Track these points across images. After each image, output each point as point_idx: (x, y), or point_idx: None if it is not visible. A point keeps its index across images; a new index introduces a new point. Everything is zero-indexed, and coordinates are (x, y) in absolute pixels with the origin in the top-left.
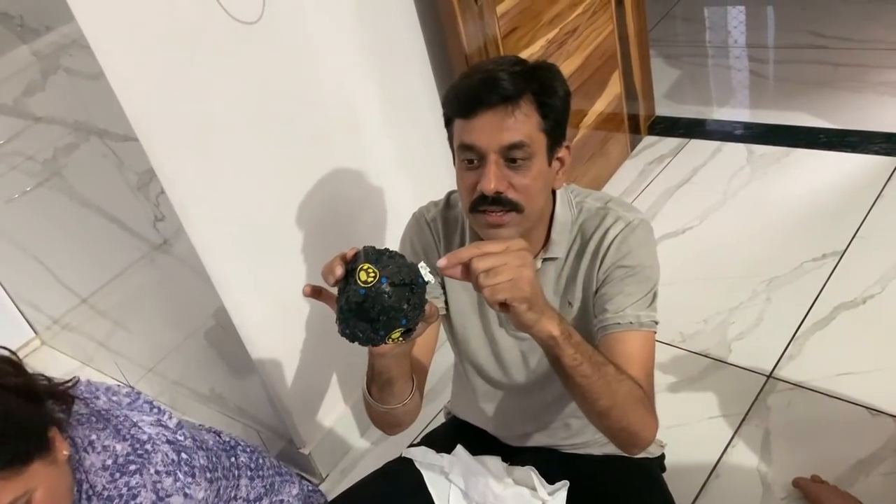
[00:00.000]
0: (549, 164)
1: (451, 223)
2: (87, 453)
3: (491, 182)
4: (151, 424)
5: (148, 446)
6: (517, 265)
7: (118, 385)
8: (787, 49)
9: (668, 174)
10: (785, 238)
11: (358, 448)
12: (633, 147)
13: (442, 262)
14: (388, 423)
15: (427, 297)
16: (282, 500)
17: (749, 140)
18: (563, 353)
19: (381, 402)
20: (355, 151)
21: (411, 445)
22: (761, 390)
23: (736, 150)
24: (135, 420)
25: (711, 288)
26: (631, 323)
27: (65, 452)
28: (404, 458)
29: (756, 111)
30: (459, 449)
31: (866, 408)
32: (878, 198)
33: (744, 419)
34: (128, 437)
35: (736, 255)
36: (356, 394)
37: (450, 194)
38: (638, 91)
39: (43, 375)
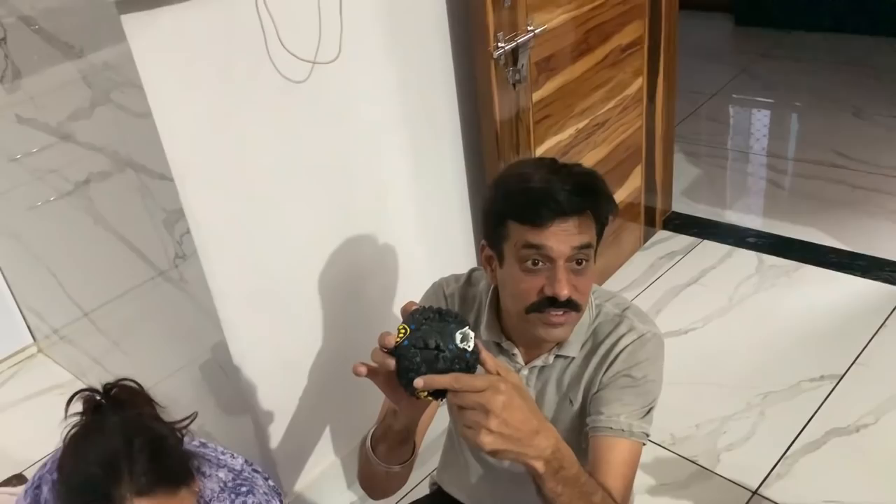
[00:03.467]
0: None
1: (469, 301)
2: (202, 481)
3: (564, 288)
4: (228, 456)
5: (245, 474)
6: (479, 419)
7: None
8: (808, 164)
9: (678, 272)
10: (785, 353)
11: None
12: (646, 239)
13: (419, 383)
14: (379, 486)
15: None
16: None
17: (760, 249)
18: (543, 485)
19: (386, 462)
20: (379, 216)
21: None
22: None
23: (747, 258)
24: (212, 454)
25: (707, 393)
26: (623, 430)
27: (198, 487)
28: None
29: (770, 221)
30: None
31: None
32: (882, 327)
33: None
34: (223, 465)
35: (735, 363)
36: (344, 448)
37: (472, 271)
38: (658, 185)
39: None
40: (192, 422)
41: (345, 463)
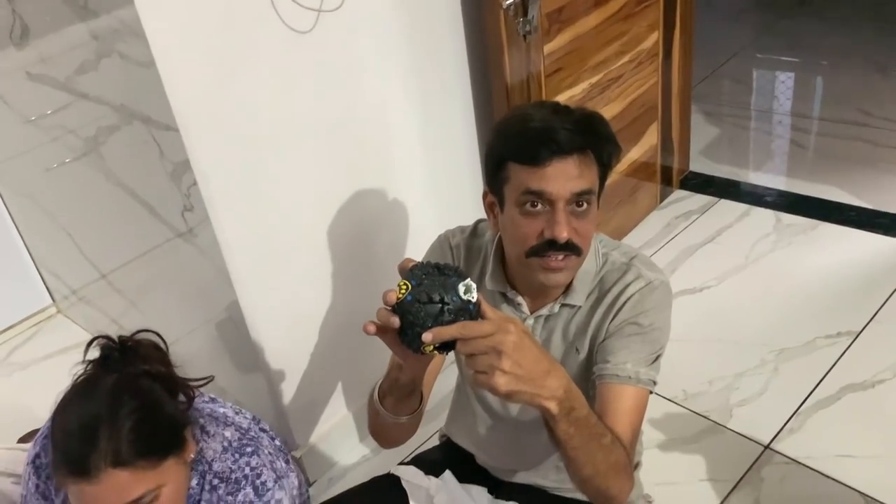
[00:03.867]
0: (598, 207)
1: (474, 252)
2: (206, 442)
3: (564, 230)
4: (237, 413)
5: (252, 433)
6: (492, 362)
7: None
8: (830, 122)
9: (694, 231)
10: (801, 311)
11: (349, 458)
12: (662, 199)
13: (427, 337)
14: (389, 436)
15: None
16: None
17: (779, 208)
18: (556, 426)
19: (394, 413)
20: (387, 170)
21: (401, 463)
22: (756, 460)
23: (764, 216)
24: (220, 411)
25: (720, 350)
26: (629, 377)
27: (191, 455)
28: (392, 475)
29: (789, 179)
30: (447, 474)
31: (861, 494)
32: None
33: (735, 487)
34: (230, 423)
35: (749, 320)
36: (356, 402)
37: (478, 223)
38: (674, 144)
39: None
40: (207, 383)
41: (356, 416)
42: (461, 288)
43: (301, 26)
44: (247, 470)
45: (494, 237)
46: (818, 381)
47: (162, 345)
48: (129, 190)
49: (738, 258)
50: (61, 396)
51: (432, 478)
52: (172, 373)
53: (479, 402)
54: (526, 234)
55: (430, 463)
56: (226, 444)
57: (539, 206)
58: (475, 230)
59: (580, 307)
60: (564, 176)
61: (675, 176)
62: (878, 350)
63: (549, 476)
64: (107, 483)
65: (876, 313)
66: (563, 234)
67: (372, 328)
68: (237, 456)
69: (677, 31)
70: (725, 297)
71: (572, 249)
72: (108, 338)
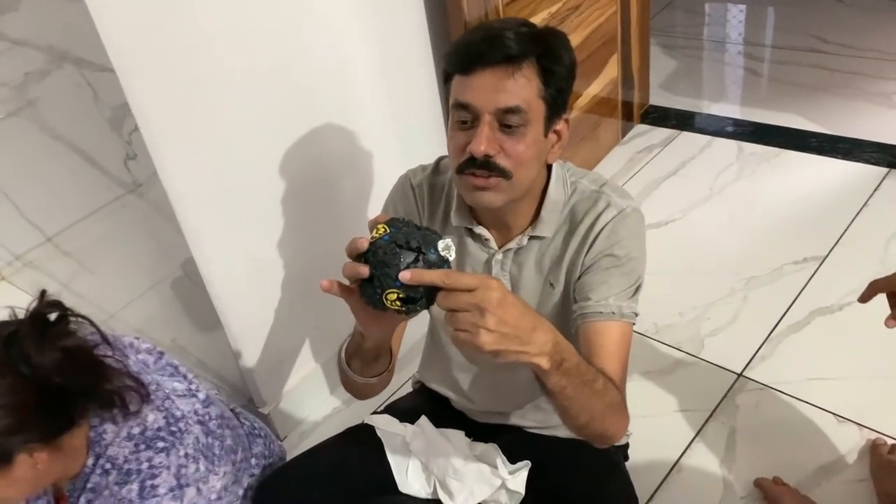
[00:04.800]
0: (546, 134)
1: (437, 190)
2: (114, 423)
3: (482, 144)
4: (184, 396)
5: (182, 424)
6: (476, 320)
7: (138, 339)
8: (786, 50)
9: (657, 164)
10: (767, 238)
11: (319, 411)
12: (624, 134)
13: (406, 276)
14: (361, 392)
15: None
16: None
17: (740, 137)
18: (547, 380)
19: (362, 375)
20: (344, 108)
21: (375, 412)
22: (730, 388)
23: (726, 147)
24: (167, 389)
25: (689, 282)
26: (613, 313)
27: (38, 466)
28: (366, 424)
29: (749, 109)
30: (423, 420)
31: (833, 414)
32: (864, 207)
33: (710, 416)
34: (162, 408)
35: (717, 251)
36: (325, 354)
37: (440, 159)
38: (634, 78)
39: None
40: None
41: (325, 368)
42: (440, 244)
43: None
44: (143, 465)
45: None
46: (787, 306)
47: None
48: (68, 141)
49: (702, 189)
50: None
51: (408, 425)
52: (76, 344)
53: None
54: (454, 149)
55: (404, 410)
56: (136, 430)
57: (468, 123)
58: (437, 167)
59: (551, 239)
60: (489, 87)
61: (636, 110)
62: (845, 273)
63: (528, 416)
64: None
65: (840, 237)
66: (479, 149)
67: (328, 284)
68: (142, 447)
69: None
70: (692, 229)
71: (495, 169)
72: (10, 317)
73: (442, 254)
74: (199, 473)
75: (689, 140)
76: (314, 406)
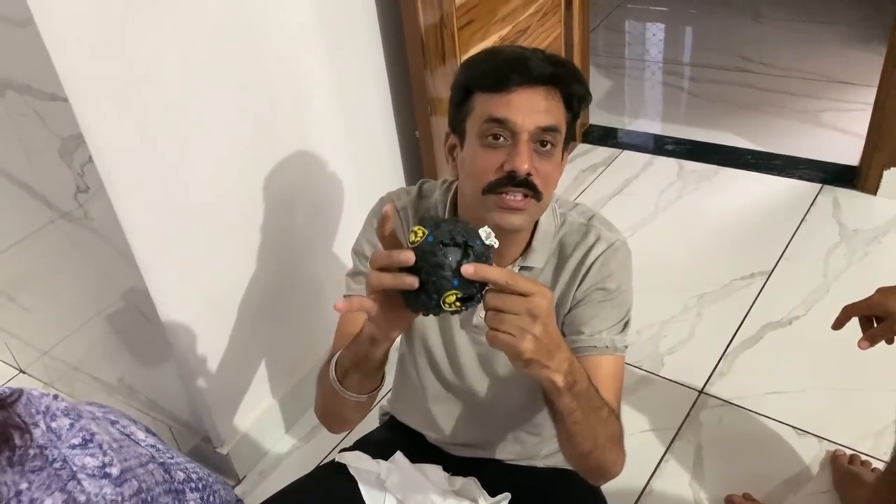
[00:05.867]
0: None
1: (421, 214)
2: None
3: (525, 162)
4: (93, 477)
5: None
6: (524, 324)
7: (53, 397)
8: (715, 69)
9: (602, 183)
10: (715, 254)
11: (279, 448)
12: None
13: (469, 270)
14: (343, 417)
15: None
16: None
17: (680, 155)
18: (559, 401)
19: (357, 392)
20: (301, 135)
21: (344, 449)
22: (693, 405)
23: (667, 164)
24: (74, 468)
25: (644, 299)
26: (607, 347)
27: None
28: (337, 462)
29: (685, 127)
30: (398, 456)
31: (793, 427)
32: (802, 221)
33: (676, 434)
34: (65, 490)
35: (667, 268)
36: (282, 390)
37: (422, 184)
38: None
39: None
40: (17, 399)
41: (282, 404)
42: (482, 233)
43: None
44: None
45: (445, 196)
46: (740, 322)
47: None
48: (3, 170)
49: (647, 207)
50: None
51: (382, 461)
52: None
53: (431, 372)
54: (484, 167)
55: (375, 445)
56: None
57: (501, 140)
58: (421, 191)
59: (541, 270)
60: (531, 106)
61: (577, 129)
62: (790, 287)
63: (507, 448)
64: None
65: (783, 252)
66: (524, 166)
67: (345, 305)
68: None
69: None
70: (641, 247)
71: (533, 189)
72: None
73: (486, 242)
74: None
75: (630, 158)
76: (272, 444)
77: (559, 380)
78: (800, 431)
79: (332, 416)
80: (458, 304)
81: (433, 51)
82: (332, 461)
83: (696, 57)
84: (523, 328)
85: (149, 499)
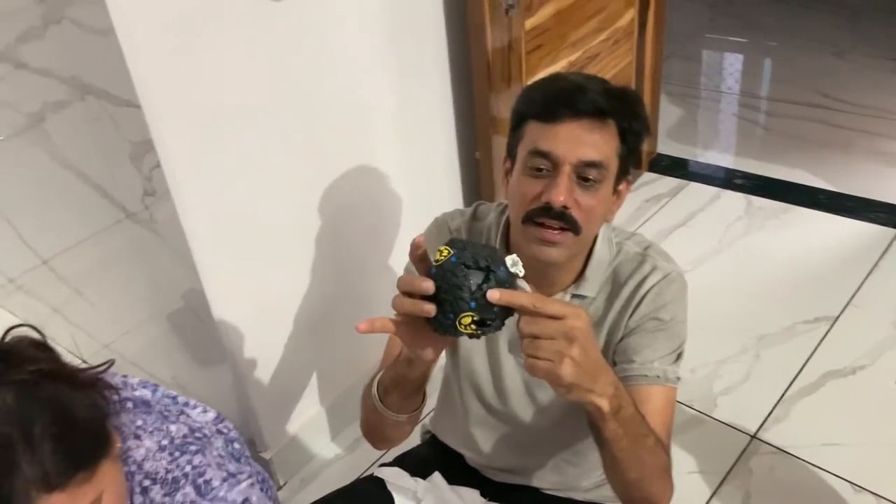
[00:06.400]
0: (613, 192)
1: (475, 236)
2: (139, 439)
3: (561, 194)
4: (195, 408)
5: (205, 431)
6: (562, 348)
7: (125, 377)
8: (791, 104)
9: (665, 214)
10: (778, 296)
11: (322, 457)
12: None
13: (494, 295)
14: (385, 436)
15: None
16: None
17: (748, 191)
18: (605, 426)
19: (397, 412)
20: (363, 150)
21: (384, 464)
22: (744, 451)
23: (735, 200)
24: (181, 405)
25: (700, 337)
26: (658, 377)
27: (118, 445)
28: (375, 477)
29: (756, 162)
30: (436, 476)
31: (849, 482)
32: (874, 268)
33: (724, 479)
34: (178, 420)
35: (727, 306)
36: (330, 398)
37: (477, 206)
38: None
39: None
40: (107, 368)
41: (329, 413)
42: (508, 260)
43: None
44: (187, 468)
45: (499, 220)
46: (800, 367)
47: (40, 337)
48: (79, 172)
49: (711, 242)
50: None
51: (419, 479)
52: (69, 366)
53: (475, 396)
54: (524, 195)
55: (414, 463)
56: (165, 441)
57: (544, 171)
58: (475, 213)
59: (593, 299)
60: (576, 139)
61: (644, 158)
62: (857, 335)
63: (546, 477)
64: None
65: (852, 298)
66: (558, 198)
67: (367, 325)
68: (177, 454)
69: (651, 10)
70: (702, 282)
71: (569, 223)
72: None
73: (511, 270)
74: (241, 471)
75: (697, 191)
76: (316, 451)
77: (604, 405)
78: (856, 487)
79: (374, 433)
80: (473, 326)
81: (499, 73)
82: (371, 475)
83: (773, 90)
84: (561, 352)
85: (235, 445)
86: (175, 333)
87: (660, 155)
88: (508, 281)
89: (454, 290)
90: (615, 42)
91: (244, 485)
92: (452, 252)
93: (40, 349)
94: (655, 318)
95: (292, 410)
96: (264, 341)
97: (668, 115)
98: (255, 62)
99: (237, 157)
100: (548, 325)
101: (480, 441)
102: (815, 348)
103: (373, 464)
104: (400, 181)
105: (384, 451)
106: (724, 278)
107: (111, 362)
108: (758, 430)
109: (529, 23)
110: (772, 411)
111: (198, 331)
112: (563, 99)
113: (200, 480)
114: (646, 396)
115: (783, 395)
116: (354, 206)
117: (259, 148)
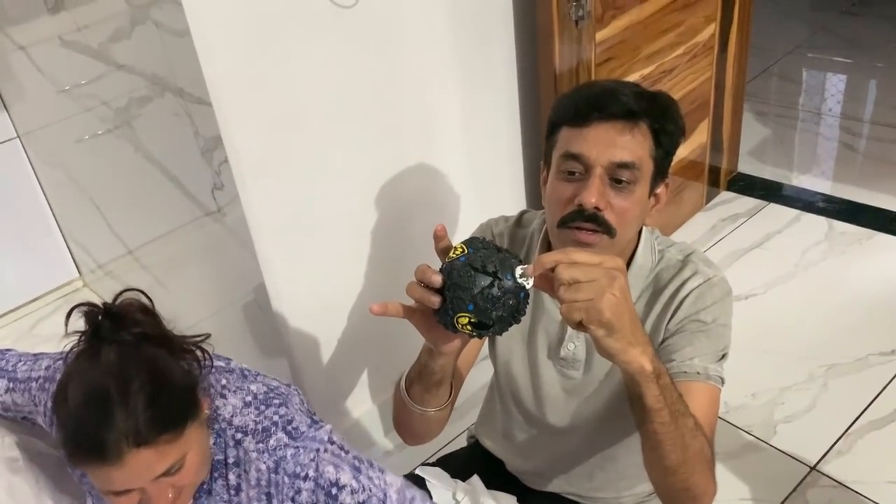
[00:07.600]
0: (649, 195)
1: (517, 242)
2: (224, 398)
3: (592, 196)
4: (265, 375)
5: (282, 389)
6: (603, 285)
7: None
8: (886, 127)
9: (741, 235)
10: (854, 325)
11: (372, 454)
12: (708, 200)
13: (529, 270)
14: (413, 430)
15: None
16: None
17: (831, 214)
18: (647, 391)
19: (420, 404)
20: (425, 155)
21: (425, 464)
22: (801, 481)
23: (815, 223)
24: (255, 372)
25: (766, 362)
26: (698, 373)
27: (206, 411)
28: (416, 475)
29: (842, 185)
30: (475, 479)
31: None
32: None
33: None
34: (256, 380)
35: (798, 332)
36: (383, 395)
37: (522, 213)
38: (724, 143)
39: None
40: (204, 339)
41: (382, 409)
42: (518, 270)
43: (344, 0)
44: (275, 418)
45: (542, 227)
46: (870, 400)
47: (149, 303)
48: (159, 165)
49: (787, 266)
50: (59, 375)
51: (459, 481)
52: (169, 332)
53: (514, 402)
54: (558, 199)
55: (457, 464)
56: (249, 398)
57: (577, 174)
58: (520, 220)
59: (633, 303)
60: (605, 140)
61: (722, 176)
62: None
63: (579, 483)
64: (132, 464)
65: None
66: (590, 200)
67: (380, 308)
68: (263, 408)
69: (734, 25)
70: (773, 306)
71: (602, 225)
72: (90, 305)
73: (518, 280)
74: (317, 417)
75: (776, 212)
76: (366, 447)
77: (647, 364)
78: None
79: (402, 425)
80: (469, 327)
81: (566, 85)
82: (412, 472)
83: (863, 112)
84: (602, 288)
85: (307, 406)
86: (244, 324)
87: (740, 174)
88: (512, 290)
89: (456, 289)
90: (693, 57)
91: (328, 427)
92: (465, 252)
93: (146, 314)
94: (696, 319)
95: (345, 406)
96: (322, 336)
97: (753, 133)
98: (324, 67)
99: (302, 156)
100: (588, 268)
101: (518, 446)
102: (889, 382)
103: (419, 463)
104: (463, 186)
105: (431, 450)
106: (797, 303)
107: (208, 335)
108: (818, 461)
109: (600, 35)
110: (835, 443)
111: (259, 322)
112: (593, 102)
113: (290, 427)
114: (686, 393)
115: (849, 427)
116: (415, 205)
117: (323, 148)
